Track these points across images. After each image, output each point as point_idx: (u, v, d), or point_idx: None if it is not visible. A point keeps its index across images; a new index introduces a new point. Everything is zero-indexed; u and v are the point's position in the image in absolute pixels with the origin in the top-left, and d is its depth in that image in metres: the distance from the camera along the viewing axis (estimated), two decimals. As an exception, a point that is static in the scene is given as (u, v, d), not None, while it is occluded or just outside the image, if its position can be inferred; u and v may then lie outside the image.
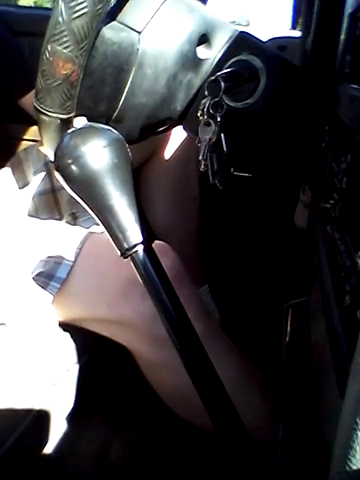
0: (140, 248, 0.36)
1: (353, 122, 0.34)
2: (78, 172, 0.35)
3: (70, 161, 0.35)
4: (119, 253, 0.37)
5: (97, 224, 0.38)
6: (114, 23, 0.51)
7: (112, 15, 0.51)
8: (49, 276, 0.60)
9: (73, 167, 0.35)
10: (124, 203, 0.36)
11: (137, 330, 0.58)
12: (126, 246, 0.36)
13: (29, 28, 0.99)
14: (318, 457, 0.36)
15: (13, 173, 0.82)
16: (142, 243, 0.36)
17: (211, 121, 0.51)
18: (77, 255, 0.60)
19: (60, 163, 0.35)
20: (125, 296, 0.57)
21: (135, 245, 0.36)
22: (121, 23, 0.51)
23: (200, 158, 0.53)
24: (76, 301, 0.62)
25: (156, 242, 0.60)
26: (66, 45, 0.43)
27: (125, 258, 0.37)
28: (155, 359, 0.59)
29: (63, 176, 0.35)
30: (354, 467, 0.19)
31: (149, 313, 0.36)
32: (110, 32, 0.51)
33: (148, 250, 0.37)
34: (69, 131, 0.35)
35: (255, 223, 1.00)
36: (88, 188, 0.35)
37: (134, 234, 0.36)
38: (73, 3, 0.42)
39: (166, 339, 0.39)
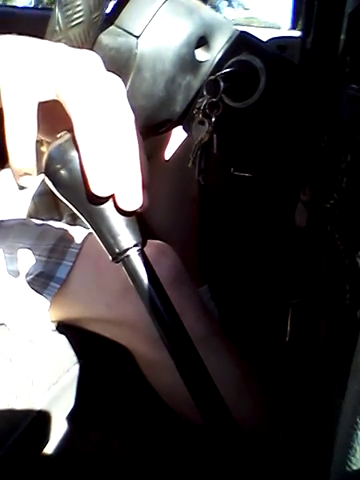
0: (132, 253, 0.35)
1: (353, 122, 0.34)
2: (68, 177, 0.34)
3: (59, 166, 0.34)
4: (110, 258, 0.36)
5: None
6: (112, 28, 0.51)
7: (109, 20, 0.52)
8: (49, 276, 0.60)
9: (62, 172, 0.34)
10: (115, 207, 0.35)
11: (137, 330, 0.58)
12: (117, 251, 0.35)
13: (29, 28, 0.99)
14: (318, 457, 0.36)
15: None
16: (134, 247, 0.35)
17: (205, 120, 0.52)
18: (77, 255, 0.60)
19: (50, 168, 0.34)
20: (125, 296, 0.57)
21: (127, 249, 0.35)
22: (119, 27, 0.51)
23: (190, 155, 0.53)
24: (76, 301, 0.62)
25: (156, 242, 0.61)
26: None
27: (117, 263, 0.36)
28: (155, 359, 0.59)
29: (53, 182, 0.34)
30: (354, 467, 0.19)
31: None
32: (108, 38, 0.51)
33: (140, 255, 0.36)
34: (58, 136, 0.35)
35: (255, 223, 1.00)
36: (78, 193, 0.34)
37: (125, 239, 0.35)
38: (70, 12, 0.42)
39: None
